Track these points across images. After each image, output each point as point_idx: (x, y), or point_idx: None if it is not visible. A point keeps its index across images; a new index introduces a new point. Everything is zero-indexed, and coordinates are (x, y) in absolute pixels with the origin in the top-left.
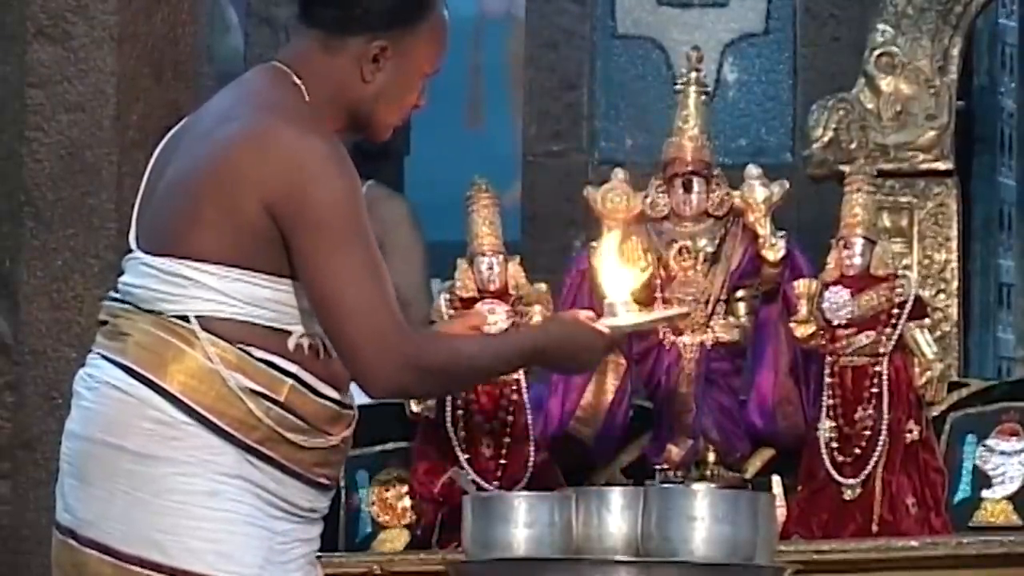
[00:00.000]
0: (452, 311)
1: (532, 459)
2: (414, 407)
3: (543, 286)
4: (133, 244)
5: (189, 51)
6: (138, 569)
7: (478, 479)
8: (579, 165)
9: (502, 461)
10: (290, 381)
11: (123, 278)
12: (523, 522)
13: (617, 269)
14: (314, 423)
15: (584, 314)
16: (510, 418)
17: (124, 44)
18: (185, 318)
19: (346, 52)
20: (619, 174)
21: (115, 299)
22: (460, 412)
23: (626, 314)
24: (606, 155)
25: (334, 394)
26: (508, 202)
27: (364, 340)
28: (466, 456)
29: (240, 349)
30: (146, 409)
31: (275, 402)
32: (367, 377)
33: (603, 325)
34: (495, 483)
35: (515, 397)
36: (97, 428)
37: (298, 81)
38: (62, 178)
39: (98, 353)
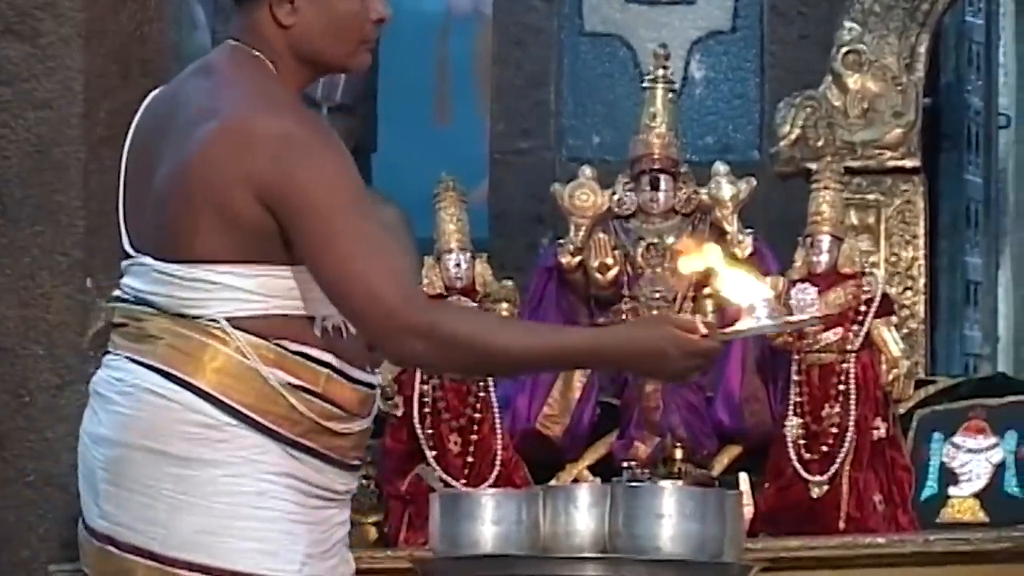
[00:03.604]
0: None
1: (499, 456)
2: (380, 404)
3: (510, 283)
4: (130, 249)
5: (157, 48)
6: (186, 573)
7: (445, 476)
8: (547, 163)
9: (469, 458)
10: (325, 371)
11: (132, 283)
12: (490, 519)
13: (734, 270)
14: (350, 409)
15: (685, 320)
16: (478, 415)
17: (92, 41)
18: (215, 320)
19: (261, 6)
20: (586, 171)
21: (130, 301)
22: (427, 410)
23: (765, 318)
24: (573, 153)
25: (364, 376)
26: (475, 200)
27: (371, 312)
28: (433, 453)
29: (275, 344)
30: (188, 413)
31: (314, 393)
32: (383, 347)
33: (708, 331)
34: (462, 480)
35: (483, 394)
36: (136, 434)
37: (257, 53)
38: (30, 175)
39: (123, 356)
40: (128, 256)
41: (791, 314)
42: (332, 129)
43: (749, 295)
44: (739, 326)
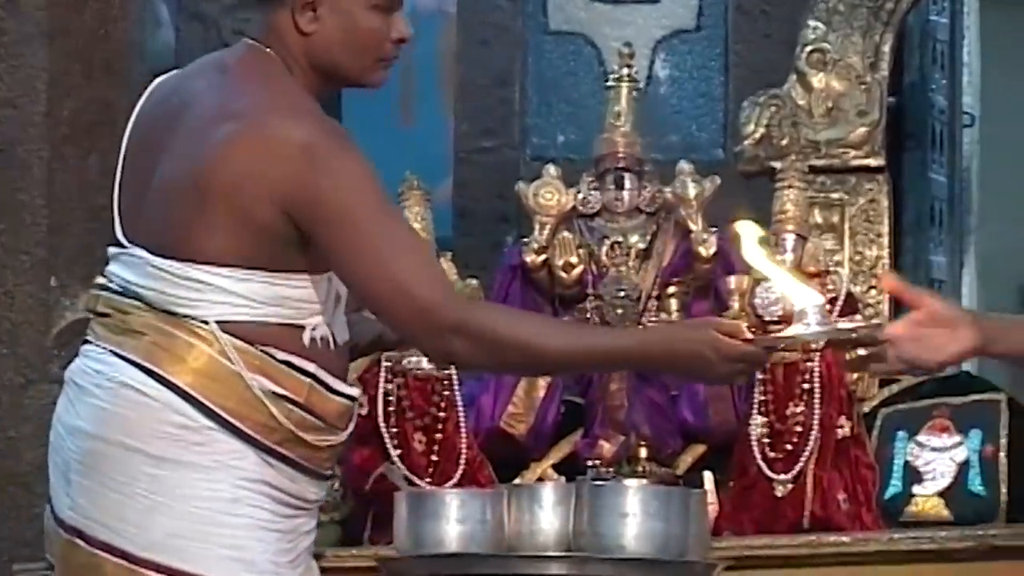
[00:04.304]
0: None
1: (464, 455)
2: None
3: (475, 282)
4: (123, 238)
5: (120, 47)
6: (154, 575)
7: (410, 475)
8: (511, 161)
9: (434, 457)
10: (309, 381)
11: (120, 272)
12: (455, 518)
13: (783, 272)
14: (329, 421)
15: (728, 323)
16: (442, 414)
17: (55, 40)
18: (205, 322)
19: (284, 11)
20: (551, 170)
21: (115, 292)
22: (392, 408)
23: (815, 325)
24: (538, 151)
25: (346, 388)
26: (440, 198)
27: (410, 313)
28: (398, 452)
29: (261, 351)
30: (168, 412)
31: (296, 403)
32: (422, 347)
33: (755, 335)
34: (427, 479)
35: (447, 393)
36: (114, 429)
37: (274, 55)
38: None
39: (103, 347)
40: (119, 244)
41: (838, 322)
42: (348, 132)
43: (800, 301)
44: (787, 332)
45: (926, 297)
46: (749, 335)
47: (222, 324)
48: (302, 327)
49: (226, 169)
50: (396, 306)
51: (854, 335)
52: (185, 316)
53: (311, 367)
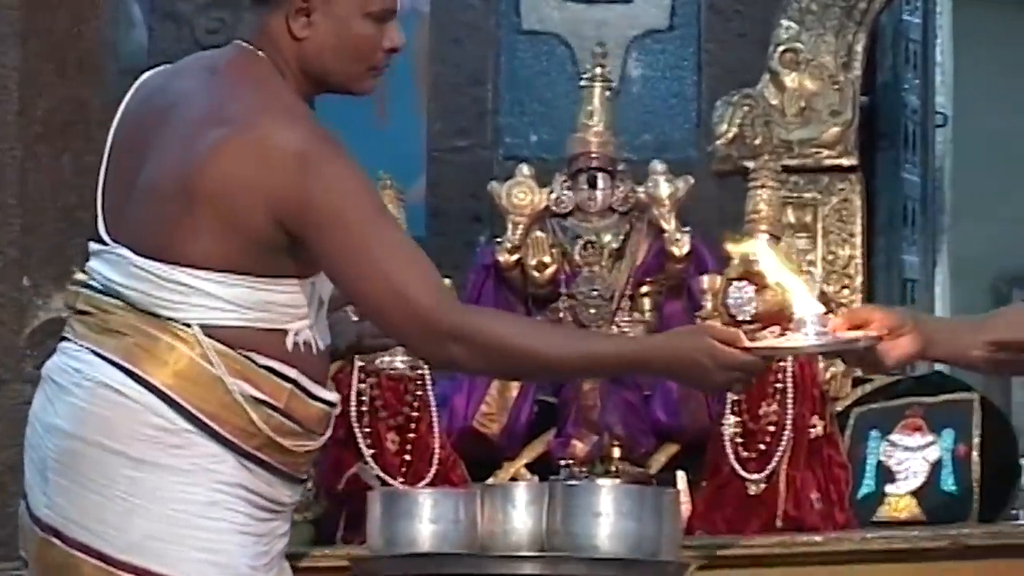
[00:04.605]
0: None
1: (437, 455)
2: None
3: (448, 281)
4: (105, 236)
5: (93, 46)
6: None
7: (383, 474)
8: (484, 161)
9: (407, 457)
10: (289, 386)
11: (102, 270)
12: (428, 518)
13: (792, 277)
14: (309, 426)
15: (726, 331)
16: (415, 414)
17: (28, 39)
18: (188, 325)
19: (277, 14)
20: (524, 170)
21: (97, 290)
22: (365, 408)
23: (813, 335)
24: (511, 151)
25: (326, 394)
26: (413, 198)
27: (409, 319)
28: (371, 452)
29: (243, 355)
30: (147, 414)
31: (276, 409)
32: (420, 353)
33: (753, 344)
34: (400, 479)
35: (420, 393)
36: (92, 430)
37: (267, 59)
38: None
39: (83, 346)
40: (101, 241)
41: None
42: (340, 138)
43: (800, 309)
44: (782, 342)
45: (864, 312)
46: (747, 343)
47: (205, 328)
48: (285, 332)
49: (217, 174)
50: (393, 312)
51: (854, 347)
52: (168, 318)
53: (292, 372)
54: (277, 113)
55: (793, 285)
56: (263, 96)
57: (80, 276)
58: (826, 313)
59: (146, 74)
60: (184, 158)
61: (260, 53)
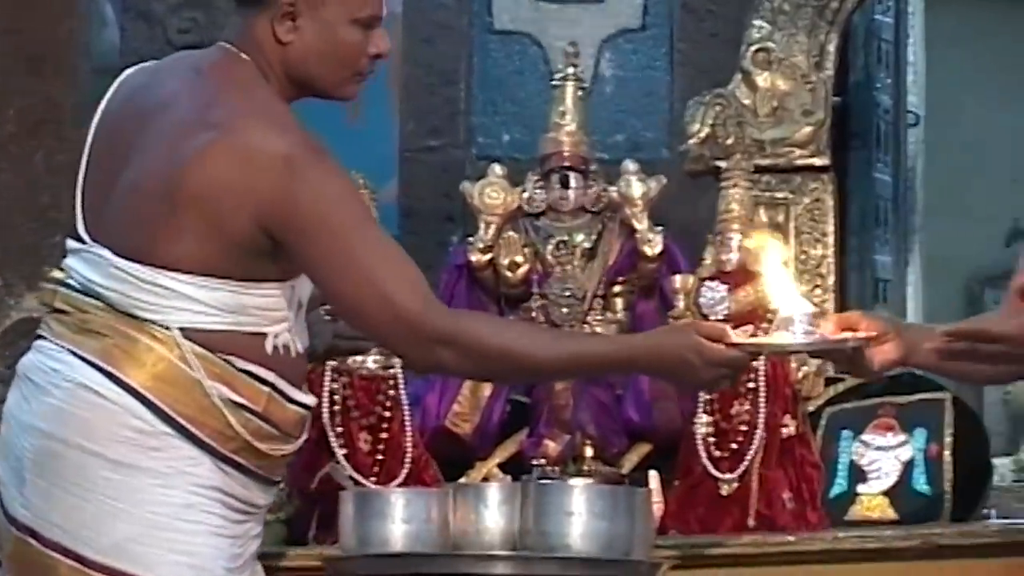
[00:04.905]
0: None
1: (410, 454)
2: None
3: None
4: (84, 235)
5: (67, 46)
6: None
7: (355, 474)
8: (456, 161)
9: (379, 456)
10: (268, 390)
11: (81, 270)
12: (400, 518)
13: (783, 276)
14: (286, 430)
15: (712, 328)
16: (387, 413)
17: (2, 39)
18: (167, 327)
19: (263, 17)
20: (496, 169)
21: (75, 289)
22: (337, 408)
23: (801, 333)
24: (483, 151)
25: (303, 398)
26: (385, 198)
27: (395, 324)
28: (343, 451)
29: (222, 359)
30: (126, 416)
31: (253, 412)
32: (408, 357)
33: (740, 340)
34: (372, 478)
35: (392, 392)
36: (71, 431)
37: (251, 62)
38: None
39: (61, 345)
40: (79, 239)
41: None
42: (326, 142)
43: (788, 308)
44: (771, 338)
45: (851, 316)
46: (735, 339)
47: (184, 330)
48: (264, 335)
49: (202, 179)
50: (380, 317)
51: (843, 347)
52: (147, 320)
53: (270, 376)
54: (262, 118)
55: (787, 284)
56: (248, 100)
57: (57, 274)
58: (813, 313)
59: (127, 72)
60: (169, 161)
61: (244, 56)
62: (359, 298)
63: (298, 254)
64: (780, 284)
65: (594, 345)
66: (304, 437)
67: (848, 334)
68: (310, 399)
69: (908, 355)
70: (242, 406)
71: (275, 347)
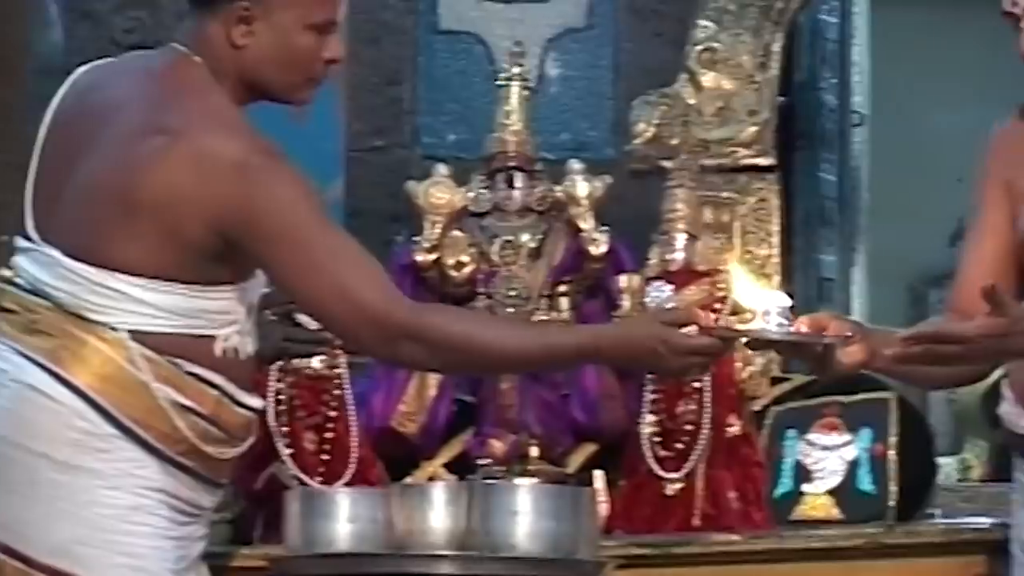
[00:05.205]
0: None
1: (355, 454)
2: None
3: None
4: (35, 234)
5: (11, 46)
6: None
7: (301, 474)
8: (402, 160)
9: (325, 456)
10: (216, 393)
11: (30, 269)
12: (346, 517)
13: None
14: (233, 433)
15: (680, 315)
16: (333, 413)
17: None
18: (116, 329)
19: (218, 20)
20: (442, 169)
21: (24, 289)
22: (283, 407)
23: (776, 326)
24: (429, 150)
25: (251, 401)
26: (331, 197)
27: (361, 322)
28: (289, 451)
29: (170, 362)
30: (73, 418)
31: (201, 415)
32: (376, 354)
33: (711, 325)
34: (318, 478)
35: (338, 392)
36: (17, 432)
37: (205, 66)
38: None
39: (8, 346)
40: (29, 239)
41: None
42: (280, 146)
43: (766, 299)
44: (751, 326)
45: (822, 317)
46: (709, 324)
47: (133, 333)
48: (214, 338)
49: (157, 184)
50: (346, 316)
51: (820, 343)
52: (96, 322)
53: (219, 379)
54: (216, 122)
55: (757, 282)
56: (202, 105)
57: (5, 273)
58: (791, 306)
59: (80, 70)
60: (123, 165)
61: (197, 58)
62: (323, 299)
63: (258, 258)
64: (751, 281)
65: (561, 336)
66: (252, 440)
67: (825, 331)
68: (258, 402)
69: (871, 359)
70: (189, 409)
71: (224, 350)
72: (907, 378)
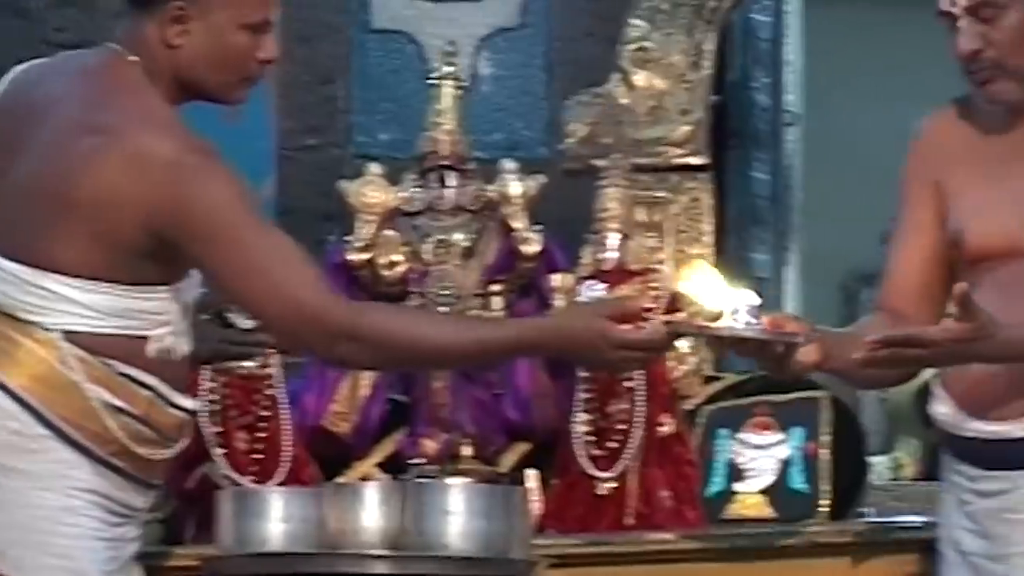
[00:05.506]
0: None
1: (288, 453)
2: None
3: None
4: None
5: None
6: None
7: (232, 473)
8: (334, 159)
9: (257, 456)
10: (149, 394)
11: None
12: (278, 517)
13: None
14: (167, 434)
15: (621, 309)
16: (265, 413)
17: None
18: (49, 330)
19: (153, 20)
20: (374, 168)
21: None
22: (216, 406)
23: (743, 323)
24: (362, 149)
25: (184, 402)
26: (263, 196)
27: (297, 322)
28: (221, 451)
29: (103, 363)
30: (5, 419)
31: (133, 416)
32: (314, 353)
33: (672, 318)
34: (250, 478)
35: (270, 392)
36: None
37: (139, 65)
38: None
39: None
40: None
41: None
42: (214, 145)
43: (733, 296)
44: (711, 323)
45: (780, 318)
46: (654, 317)
47: (66, 333)
48: (147, 338)
49: (91, 185)
50: (283, 316)
51: (781, 340)
52: (29, 322)
53: (152, 380)
54: (150, 122)
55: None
56: (136, 104)
57: None
58: (759, 305)
59: (16, 70)
60: (57, 165)
61: (132, 58)
62: (260, 299)
63: (194, 258)
64: (719, 279)
65: (499, 330)
66: (186, 441)
67: (789, 330)
68: (192, 403)
69: (824, 360)
70: (122, 410)
71: (158, 351)
72: (855, 379)
